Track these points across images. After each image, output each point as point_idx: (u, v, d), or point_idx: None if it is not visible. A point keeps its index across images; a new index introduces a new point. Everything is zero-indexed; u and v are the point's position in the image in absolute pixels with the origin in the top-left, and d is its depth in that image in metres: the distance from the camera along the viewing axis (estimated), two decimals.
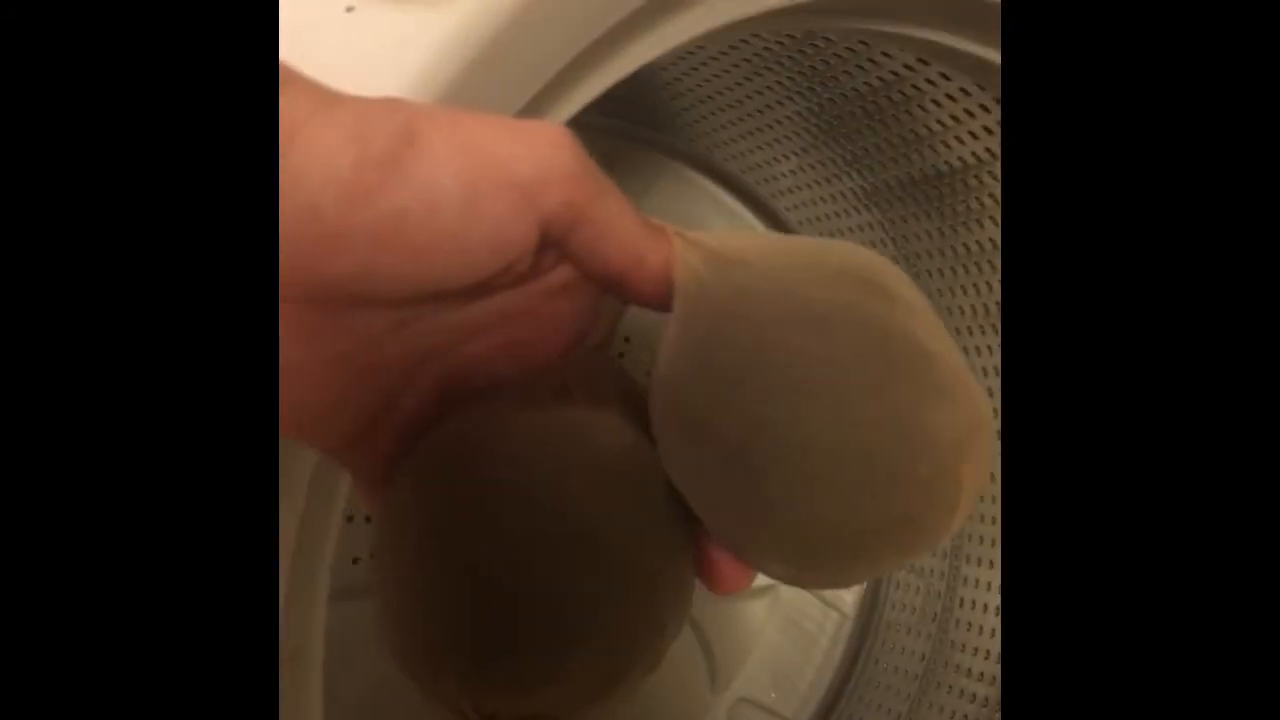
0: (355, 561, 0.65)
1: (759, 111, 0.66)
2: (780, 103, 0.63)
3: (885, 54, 0.55)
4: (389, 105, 0.25)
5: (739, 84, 0.63)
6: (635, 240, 0.28)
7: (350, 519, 0.65)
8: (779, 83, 0.61)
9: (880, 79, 0.57)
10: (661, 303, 0.29)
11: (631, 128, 0.72)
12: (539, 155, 0.26)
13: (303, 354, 0.27)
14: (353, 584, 0.65)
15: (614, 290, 0.29)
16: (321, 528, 0.40)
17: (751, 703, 0.75)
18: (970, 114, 0.56)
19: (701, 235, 0.29)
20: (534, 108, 0.34)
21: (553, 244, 0.28)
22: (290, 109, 0.24)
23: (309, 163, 0.24)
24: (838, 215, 0.71)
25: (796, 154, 0.68)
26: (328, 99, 0.25)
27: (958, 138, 0.58)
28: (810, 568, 0.28)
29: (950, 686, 0.69)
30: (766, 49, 0.58)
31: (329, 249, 0.24)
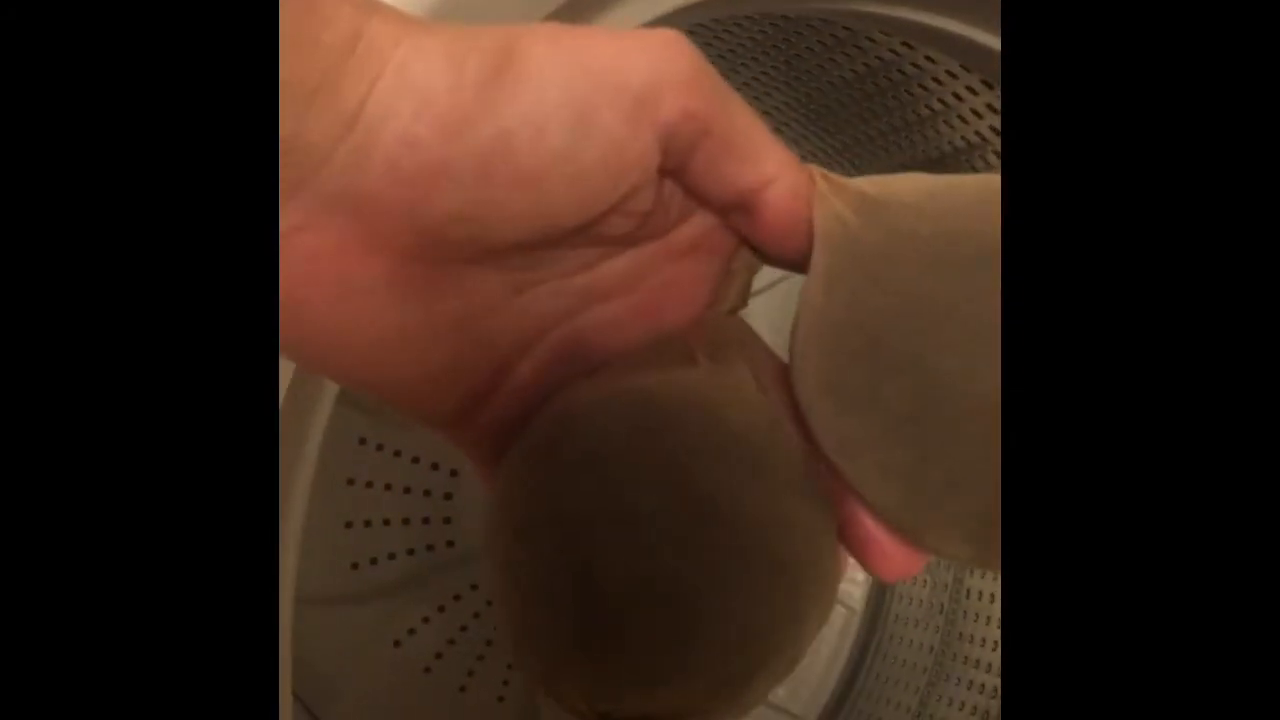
0: (355, 567, 0.65)
1: (751, 102, 0.65)
2: (768, 93, 0.63)
3: (870, 39, 0.54)
4: (482, 28, 0.24)
5: (727, 75, 0.63)
6: (765, 157, 0.25)
7: (349, 525, 0.65)
8: (765, 73, 0.61)
9: (866, 65, 0.56)
10: (795, 246, 0.26)
11: None
12: (653, 60, 0.23)
13: (410, 317, 0.25)
14: (353, 589, 0.64)
15: (741, 225, 0.27)
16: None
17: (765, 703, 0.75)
18: (959, 97, 0.55)
19: (846, 180, 0.27)
20: None
21: (675, 169, 0.25)
22: (376, 36, 0.22)
23: (401, 92, 0.22)
24: None
25: (789, 145, 0.68)
26: (416, 26, 0.23)
27: (947, 123, 0.57)
28: (998, 548, 0.25)
29: (959, 678, 0.69)
30: (750, 38, 0.58)
31: (431, 184, 0.23)
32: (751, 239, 0.27)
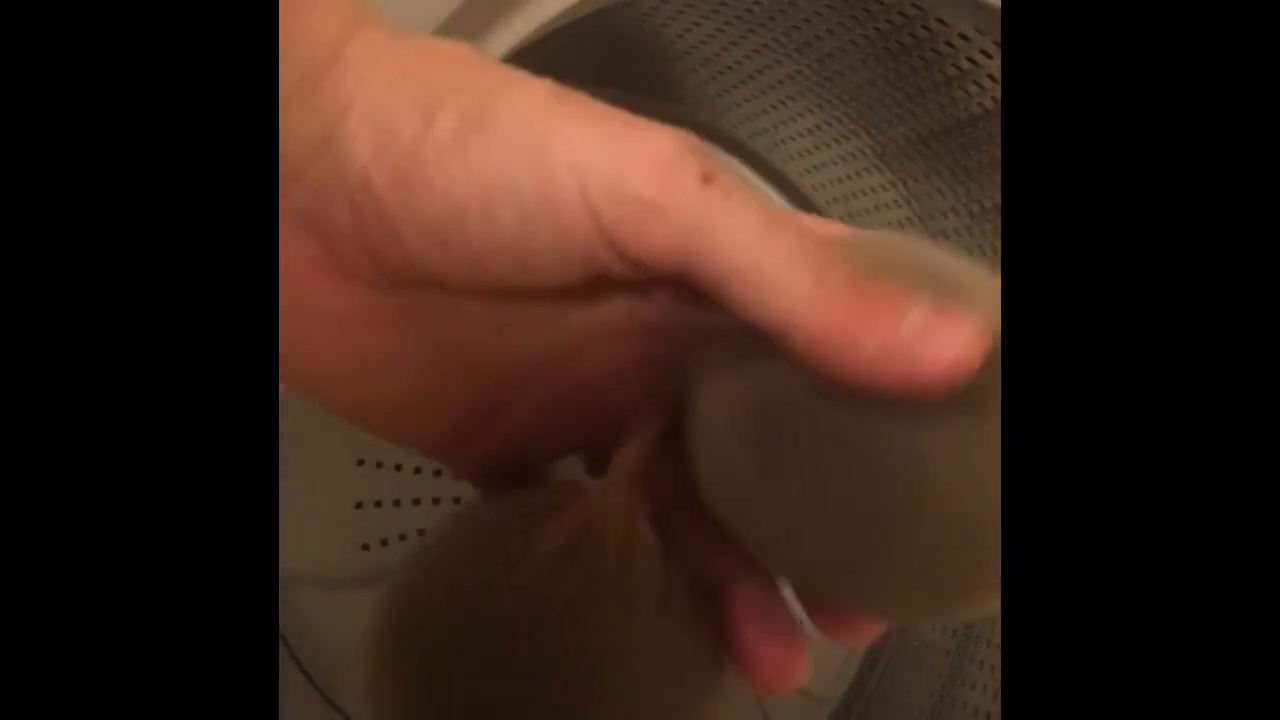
0: (365, 548, 0.64)
1: (759, 72, 0.63)
2: (779, 61, 0.61)
3: (878, 2, 0.52)
4: (473, 71, 0.22)
5: (734, 43, 0.61)
6: (775, 295, 0.21)
7: (359, 505, 0.64)
8: (774, 40, 0.59)
9: (876, 29, 0.55)
10: (839, 376, 0.21)
11: (634, 96, 0.70)
12: (618, 176, 0.21)
13: (384, 346, 0.24)
14: (360, 571, 0.64)
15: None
16: None
17: None
18: (974, 61, 0.53)
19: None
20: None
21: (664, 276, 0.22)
22: (355, 58, 0.21)
23: (366, 130, 0.21)
24: (850, 177, 0.69)
25: (802, 115, 0.66)
26: (399, 53, 0.22)
27: (963, 89, 0.55)
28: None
29: (983, 662, 0.67)
30: (756, 3, 0.56)
31: (384, 232, 0.22)
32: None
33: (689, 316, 0.25)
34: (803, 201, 0.73)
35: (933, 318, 0.20)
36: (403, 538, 0.65)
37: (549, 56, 0.39)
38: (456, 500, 0.66)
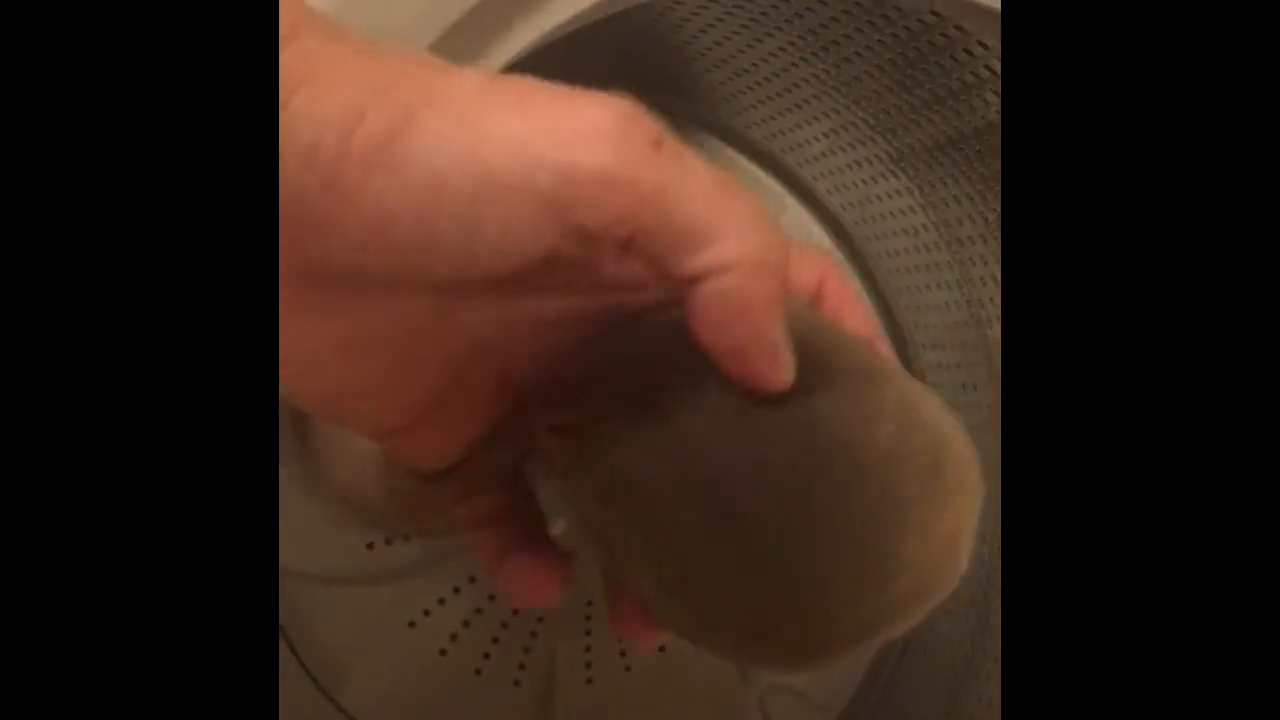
0: (370, 547, 0.64)
1: (776, 74, 0.63)
2: (796, 64, 0.61)
3: (897, 8, 0.52)
4: (401, 70, 0.21)
5: (752, 45, 0.61)
6: (709, 244, 0.22)
7: None
8: (791, 43, 0.59)
9: (895, 35, 0.54)
10: (727, 346, 0.23)
11: (650, 96, 0.69)
12: (567, 156, 0.21)
13: (325, 333, 0.24)
14: (364, 570, 0.64)
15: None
16: None
17: (785, 690, 0.73)
18: (991, 70, 0.52)
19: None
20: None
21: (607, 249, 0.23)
22: (293, 56, 0.21)
23: (294, 136, 0.20)
24: (866, 182, 0.68)
25: (819, 118, 0.66)
26: (331, 52, 0.21)
27: (981, 96, 0.55)
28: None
29: (990, 675, 0.66)
30: (773, 6, 0.55)
31: (317, 238, 0.21)
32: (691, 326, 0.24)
33: (618, 309, 0.26)
34: (818, 205, 0.72)
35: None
36: (406, 537, 0.65)
37: (566, 56, 0.38)
38: None
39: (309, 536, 0.62)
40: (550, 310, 0.25)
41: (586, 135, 0.21)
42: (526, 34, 0.34)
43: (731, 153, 0.72)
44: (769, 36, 0.59)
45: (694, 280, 0.22)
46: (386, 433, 0.27)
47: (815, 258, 0.28)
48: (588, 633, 0.68)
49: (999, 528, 0.69)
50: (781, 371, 0.24)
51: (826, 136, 0.67)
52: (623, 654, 0.69)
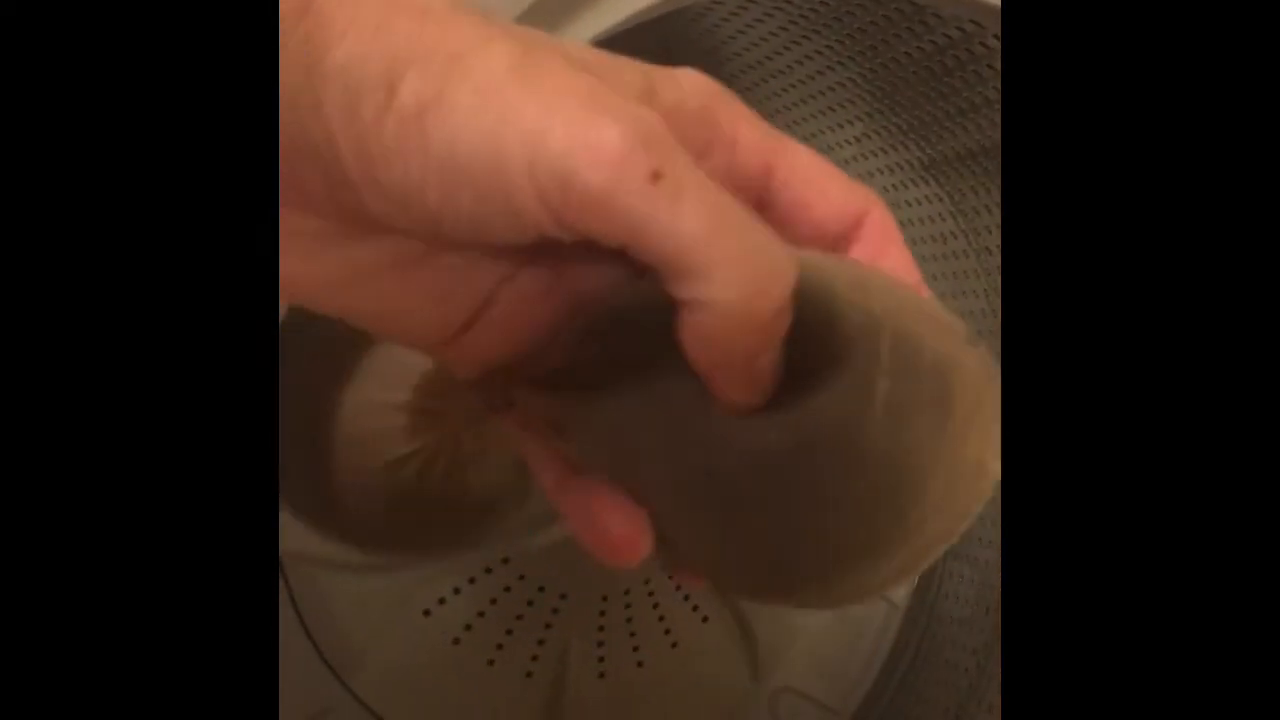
0: None
1: (812, 77, 0.63)
2: (832, 68, 0.60)
3: (936, 15, 0.51)
4: (441, 32, 0.21)
5: (789, 47, 0.60)
6: (702, 275, 0.22)
7: None
8: (829, 46, 0.58)
9: (934, 42, 0.54)
10: (720, 385, 0.24)
11: None
12: (568, 166, 0.21)
13: (360, 258, 0.25)
14: (384, 557, 0.64)
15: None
16: None
17: (795, 691, 0.73)
18: None
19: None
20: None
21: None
22: (326, 8, 0.21)
23: (332, 88, 0.21)
24: (897, 187, 0.68)
25: (852, 122, 0.65)
26: (369, 5, 0.22)
27: None
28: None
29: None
30: (812, 10, 0.55)
31: (347, 193, 0.22)
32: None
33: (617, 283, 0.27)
34: None
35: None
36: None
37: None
38: None
39: None
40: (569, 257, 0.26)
41: (591, 148, 0.21)
42: (574, 37, 0.34)
43: None
44: (806, 40, 0.59)
45: (679, 302, 0.22)
46: (433, 344, 0.27)
47: (860, 192, 0.27)
48: (601, 628, 0.69)
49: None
50: (754, 399, 0.24)
51: (859, 140, 0.67)
52: (635, 650, 0.69)
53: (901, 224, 0.70)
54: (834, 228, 0.28)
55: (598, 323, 0.27)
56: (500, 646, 0.67)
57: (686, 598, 0.72)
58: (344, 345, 0.63)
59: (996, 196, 0.61)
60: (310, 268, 0.24)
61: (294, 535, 0.60)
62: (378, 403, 0.63)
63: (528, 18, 0.32)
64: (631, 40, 0.41)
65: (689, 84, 0.26)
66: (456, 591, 0.66)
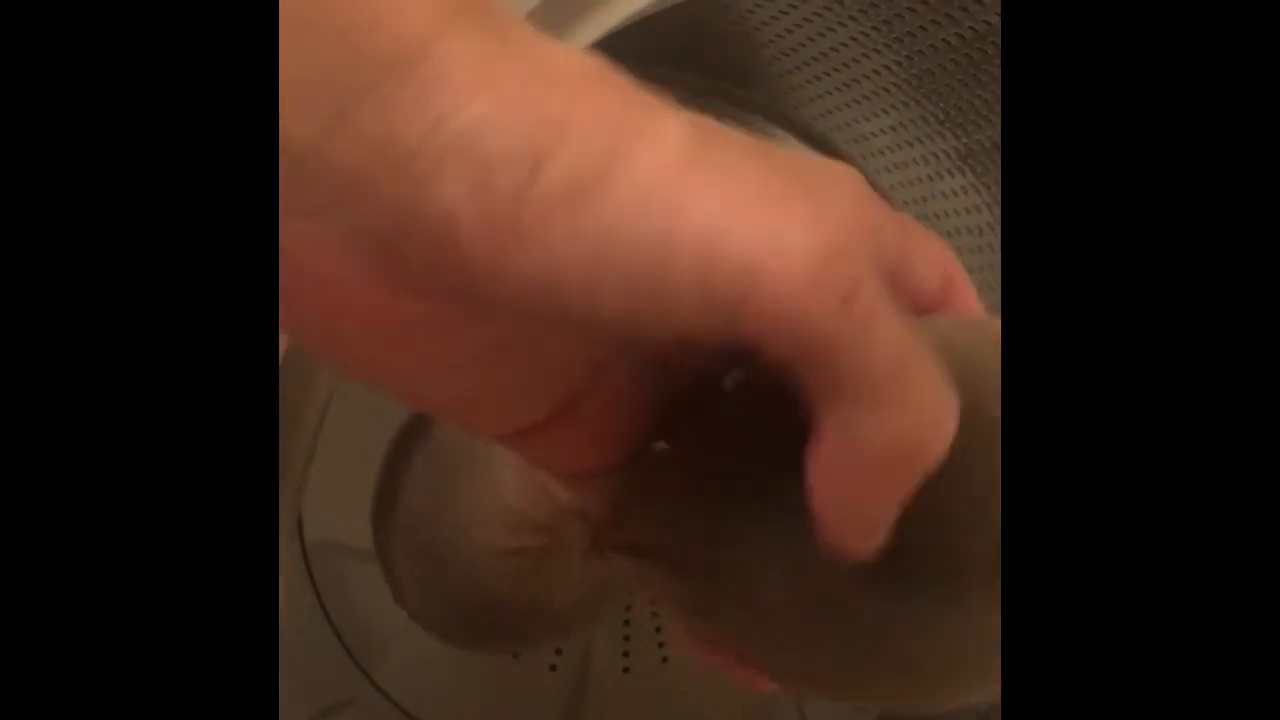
0: None
1: (846, 65, 0.62)
2: (867, 55, 0.59)
3: (977, 1, 0.50)
4: (595, 104, 0.19)
5: (823, 34, 0.60)
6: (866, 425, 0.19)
7: None
8: (864, 33, 0.57)
9: (973, 29, 0.53)
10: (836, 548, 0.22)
11: (713, 82, 0.69)
12: (751, 278, 0.18)
13: (452, 347, 0.22)
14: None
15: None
16: None
17: None
18: None
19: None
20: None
21: None
22: (450, 67, 0.18)
23: (460, 162, 0.18)
24: (932, 178, 0.67)
25: (887, 111, 0.64)
26: (504, 64, 0.18)
27: None
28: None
29: None
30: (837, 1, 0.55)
31: (463, 274, 0.19)
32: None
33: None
34: (882, 198, 0.71)
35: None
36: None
37: (636, 39, 0.37)
38: None
39: (350, 509, 0.62)
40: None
41: (781, 260, 0.18)
42: (602, 21, 0.33)
43: (795, 142, 0.71)
44: (841, 26, 0.58)
45: (825, 429, 0.20)
46: (508, 435, 0.24)
47: (937, 252, 0.24)
48: (626, 622, 0.68)
49: None
50: (866, 548, 0.21)
51: (893, 130, 0.66)
52: (660, 645, 0.69)
53: (937, 215, 0.69)
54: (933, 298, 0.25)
55: (696, 442, 0.25)
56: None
57: None
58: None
59: None
60: (402, 356, 0.22)
61: (318, 525, 0.60)
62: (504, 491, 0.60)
63: (553, 3, 0.31)
64: (660, 25, 0.41)
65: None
66: None
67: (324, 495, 0.60)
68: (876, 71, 0.61)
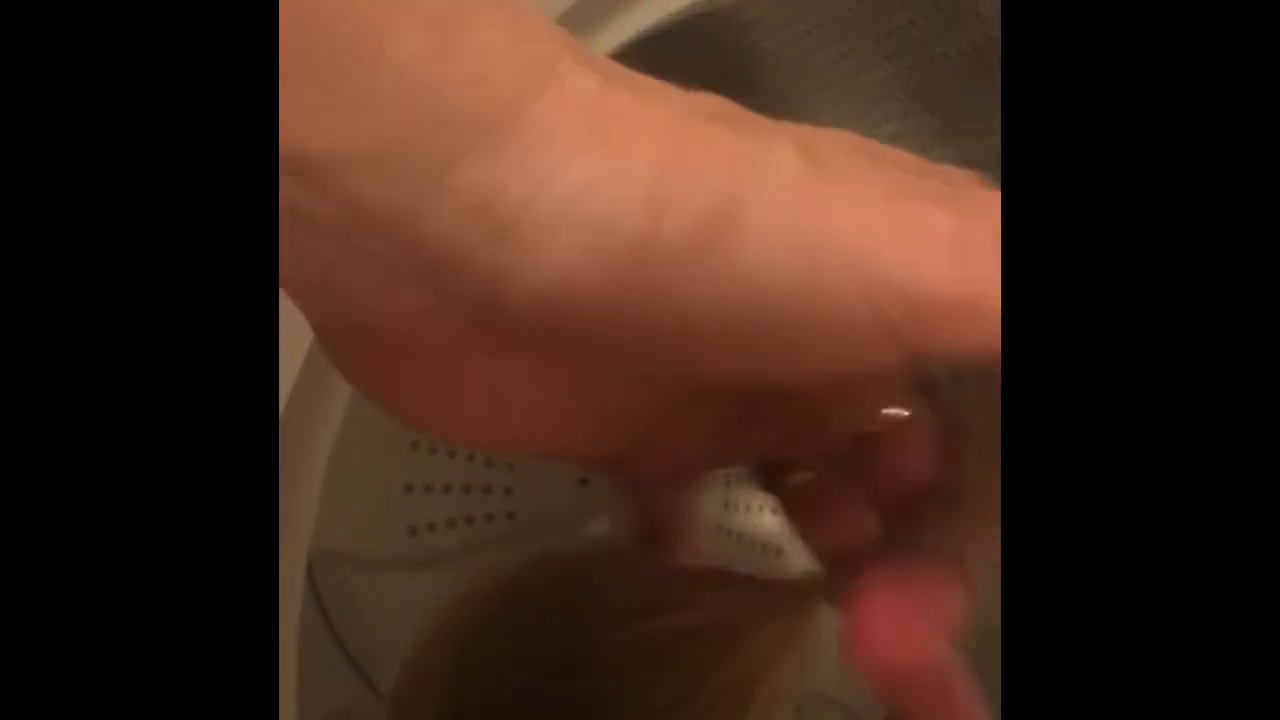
0: (412, 532, 0.64)
1: (847, 77, 0.62)
2: (866, 69, 0.60)
3: (978, 16, 0.51)
4: (709, 140, 0.18)
5: (826, 45, 0.60)
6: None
7: (410, 488, 0.64)
8: (864, 46, 0.58)
9: (973, 43, 0.53)
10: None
11: (722, 95, 0.69)
12: (919, 280, 0.17)
13: (541, 398, 0.21)
14: (407, 555, 0.64)
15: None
16: None
17: (823, 697, 0.72)
18: None
19: None
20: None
21: None
22: (549, 119, 0.17)
23: (572, 218, 0.17)
24: None
25: (889, 120, 0.65)
26: (609, 113, 0.17)
27: None
28: None
29: None
30: (848, 8, 0.55)
31: (581, 333, 0.18)
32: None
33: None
34: None
35: None
36: (451, 524, 0.65)
37: (644, 55, 0.38)
38: (508, 491, 0.66)
39: (352, 519, 0.62)
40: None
41: (926, 243, 0.17)
42: (612, 39, 0.34)
43: None
44: (841, 39, 0.58)
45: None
46: (598, 462, 0.24)
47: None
48: None
49: None
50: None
51: (894, 140, 0.66)
52: None
53: None
54: None
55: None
56: None
57: None
58: None
59: None
60: (498, 414, 0.21)
61: (320, 532, 0.60)
62: None
63: (565, 20, 0.31)
64: (665, 40, 0.41)
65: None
66: None
67: (326, 503, 0.60)
68: (878, 83, 0.61)
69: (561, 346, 0.19)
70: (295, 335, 0.34)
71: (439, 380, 0.20)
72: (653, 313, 0.17)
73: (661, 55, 0.45)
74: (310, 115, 0.16)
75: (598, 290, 0.17)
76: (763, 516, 0.69)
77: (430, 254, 0.17)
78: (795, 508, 0.26)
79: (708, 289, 0.17)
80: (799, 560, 0.28)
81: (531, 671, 0.24)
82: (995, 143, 0.59)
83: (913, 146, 0.64)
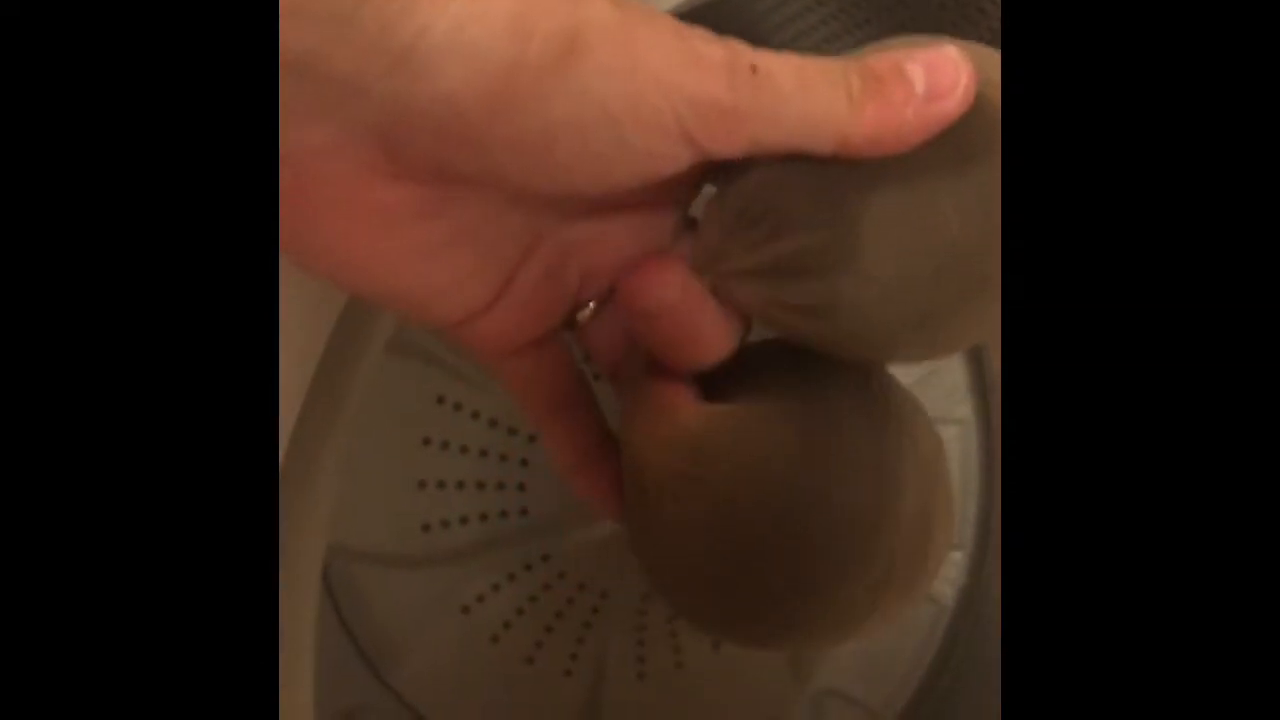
0: (425, 529, 0.63)
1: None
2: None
3: (980, 10, 0.51)
4: None
5: (829, 41, 0.59)
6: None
7: (422, 485, 0.63)
8: (879, 36, 0.57)
9: (991, 29, 0.53)
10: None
11: None
12: (705, 91, 0.23)
13: (423, 236, 0.25)
14: (419, 552, 0.63)
15: None
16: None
17: (838, 694, 0.72)
18: None
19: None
20: None
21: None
22: None
23: (453, 52, 0.21)
24: None
25: None
26: None
27: None
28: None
29: None
30: (854, 5, 0.54)
31: (462, 149, 0.23)
32: None
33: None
34: None
35: (927, 72, 0.25)
36: (464, 520, 0.65)
37: None
38: (521, 487, 0.65)
39: (365, 516, 0.62)
40: (633, 223, 0.28)
41: (710, 67, 0.23)
42: None
43: None
44: (858, 29, 0.58)
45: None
46: (453, 323, 0.28)
47: None
48: (641, 627, 0.68)
49: None
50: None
51: None
52: (676, 650, 0.69)
53: None
54: None
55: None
56: (539, 645, 0.66)
57: None
58: None
59: None
60: (381, 244, 0.25)
61: (333, 529, 0.60)
62: None
63: None
64: None
65: None
66: (496, 588, 0.65)
67: (339, 500, 0.60)
68: None
69: (446, 172, 0.24)
70: (309, 335, 0.34)
71: (332, 211, 0.24)
72: (521, 125, 0.22)
73: None
74: None
75: (476, 108, 0.22)
76: None
77: (335, 88, 0.21)
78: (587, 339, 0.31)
79: (563, 101, 0.22)
80: None
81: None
82: None
83: None
